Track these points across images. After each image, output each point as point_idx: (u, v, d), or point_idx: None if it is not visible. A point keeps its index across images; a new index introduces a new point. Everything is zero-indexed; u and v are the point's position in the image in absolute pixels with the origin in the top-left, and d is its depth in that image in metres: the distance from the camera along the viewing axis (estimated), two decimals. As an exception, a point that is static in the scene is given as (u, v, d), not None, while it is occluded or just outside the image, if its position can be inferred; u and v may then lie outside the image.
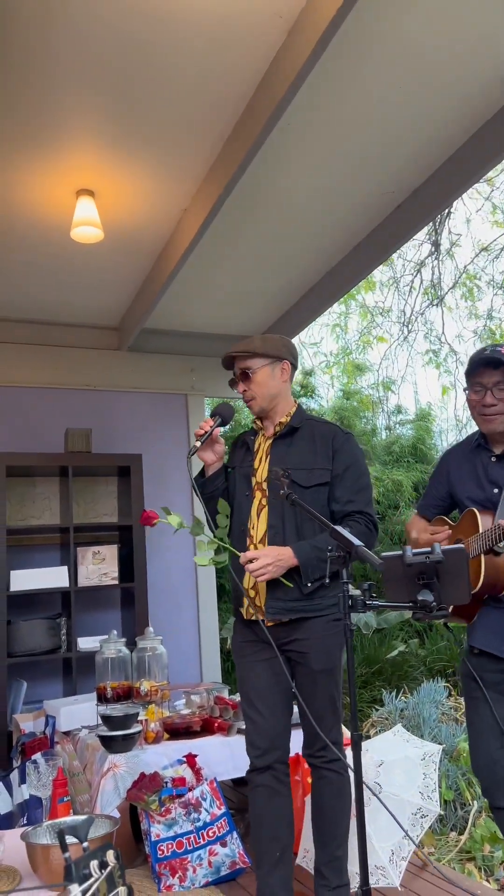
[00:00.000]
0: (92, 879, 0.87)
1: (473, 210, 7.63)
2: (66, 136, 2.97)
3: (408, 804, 2.75)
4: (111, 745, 2.98)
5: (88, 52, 2.55)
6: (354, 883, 2.45)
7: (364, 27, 2.54)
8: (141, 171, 3.25)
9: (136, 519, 4.40)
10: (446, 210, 7.05)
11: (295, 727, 2.43)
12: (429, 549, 1.63)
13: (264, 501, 2.44)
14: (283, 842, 2.36)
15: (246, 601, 2.41)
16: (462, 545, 1.70)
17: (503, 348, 2.27)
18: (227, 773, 3.08)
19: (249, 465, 2.53)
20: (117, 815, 2.69)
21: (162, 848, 2.75)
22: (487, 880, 3.29)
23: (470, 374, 2.33)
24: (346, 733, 3.10)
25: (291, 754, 2.46)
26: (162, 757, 3.01)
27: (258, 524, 2.43)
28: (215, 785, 2.93)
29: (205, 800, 2.86)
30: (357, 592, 1.72)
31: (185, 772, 2.95)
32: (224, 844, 2.81)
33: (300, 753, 2.49)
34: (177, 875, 2.72)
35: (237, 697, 3.09)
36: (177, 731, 3.19)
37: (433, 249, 7.83)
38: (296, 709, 2.45)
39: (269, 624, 2.35)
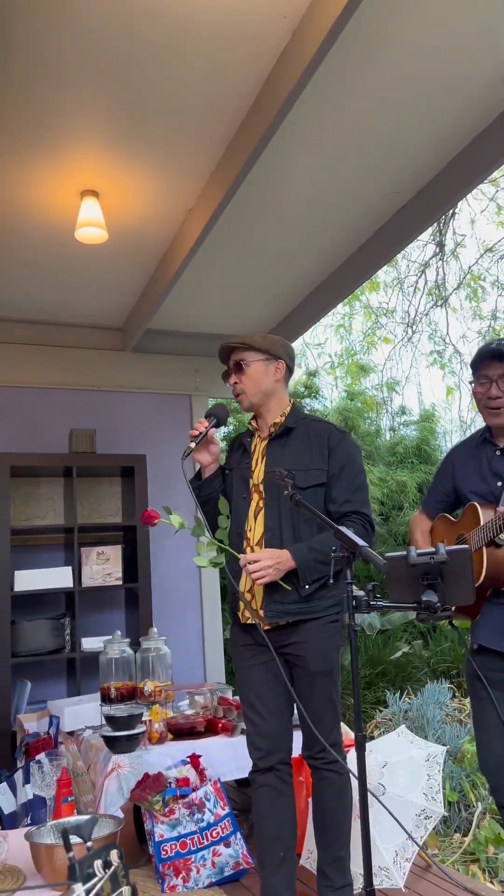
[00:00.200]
0: (96, 879, 0.87)
1: (478, 211, 7.62)
2: (71, 137, 2.97)
3: (412, 805, 2.75)
4: (115, 745, 2.98)
5: (93, 54, 2.55)
6: (358, 883, 2.45)
7: (368, 28, 2.54)
8: (145, 172, 3.26)
9: (139, 519, 4.40)
10: (451, 211, 7.05)
11: (296, 728, 2.42)
12: (433, 549, 1.63)
13: (261, 504, 2.42)
14: (286, 842, 2.36)
15: (242, 604, 2.40)
16: (466, 546, 1.70)
17: None
18: (231, 773, 3.08)
19: (246, 466, 2.50)
20: (121, 815, 2.70)
21: (165, 848, 2.75)
22: (491, 882, 3.29)
23: (476, 366, 2.34)
24: (350, 734, 3.10)
25: (294, 755, 2.46)
26: (166, 757, 3.01)
27: (255, 527, 2.41)
28: (219, 785, 2.93)
29: (208, 800, 2.86)
30: (361, 593, 1.72)
31: (189, 772, 2.95)
32: (228, 845, 2.81)
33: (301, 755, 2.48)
34: (180, 875, 2.72)
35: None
36: (180, 731, 3.20)
37: (437, 250, 7.82)
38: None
39: (267, 627, 2.34)
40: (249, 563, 2.25)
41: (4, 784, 3.31)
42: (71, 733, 3.52)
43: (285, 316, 4.98)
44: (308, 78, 2.50)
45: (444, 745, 3.69)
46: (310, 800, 2.62)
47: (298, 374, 9.49)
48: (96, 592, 4.59)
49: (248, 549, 2.40)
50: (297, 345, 8.95)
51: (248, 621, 2.39)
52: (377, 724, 5.07)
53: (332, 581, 1.99)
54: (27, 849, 2.17)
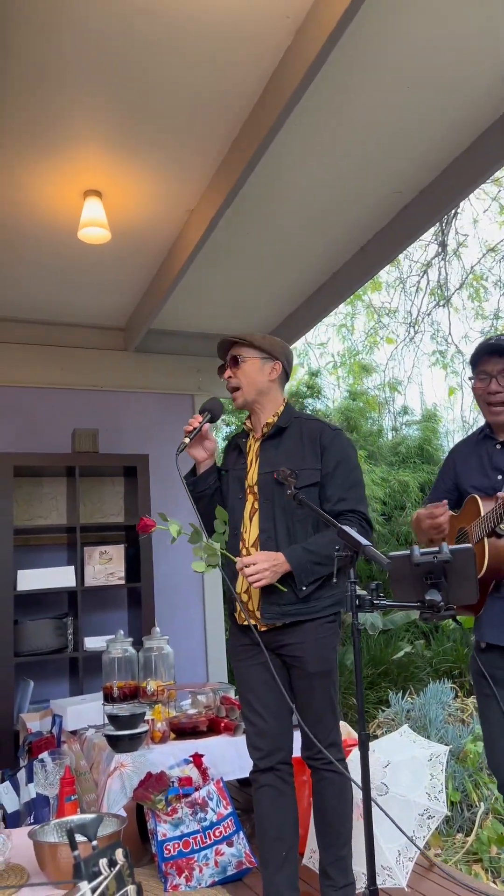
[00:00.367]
0: (101, 877, 0.88)
1: (481, 210, 7.62)
2: (74, 137, 2.98)
3: (414, 805, 2.75)
4: (118, 744, 2.99)
5: (95, 54, 2.55)
6: (361, 883, 2.45)
7: (371, 27, 2.54)
8: (148, 172, 3.26)
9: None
10: (453, 210, 7.05)
11: (297, 728, 2.42)
12: (437, 548, 1.63)
13: (256, 505, 2.40)
14: (287, 842, 2.36)
15: (238, 605, 2.40)
16: (469, 545, 1.70)
17: None
18: (234, 772, 3.08)
19: (242, 467, 2.49)
20: (124, 814, 2.70)
21: (168, 847, 2.76)
22: (494, 882, 3.29)
23: (475, 362, 2.33)
24: (353, 733, 3.10)
25: (296, 755, 2.46)
26: (168, 756, 3.02)
27: (250, 528, 2.40)
28: (222, 785, 2.93)
29: (211, 799, 2.87)
30: (363, 592, 1.72)
31: (192, 771, 2.95)
32: (230, 844, 2.82)
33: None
34: (183, 874, 2.73)
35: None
36: (183, 730, 3.20)
37: (440, 250, 7.81)
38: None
39: (263, 628, 2.33)
40: (246, 566, 2.24)
41: (7, 783, 3.32)
42: (74, 732, 3.52)
43: (287, 316, 4.99)
44: (311, 78, 2.50)
45: (446, 744, 3.69)
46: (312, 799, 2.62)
47: (301, 374, 9.49)
48: (99, 592, 4.60)
49: (245, 551, 2.38)
50: (299, 344, 8.96)
51: (245, 622, 2.38)
52: (380, 723, 5.07)
53: (335, 580, 1.99)
54: (30, 847, 2.17)
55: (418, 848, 2.61)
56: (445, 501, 2.31)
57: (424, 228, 3.87)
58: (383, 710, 5.28)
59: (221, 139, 3.06)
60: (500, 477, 2.29)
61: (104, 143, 3.02)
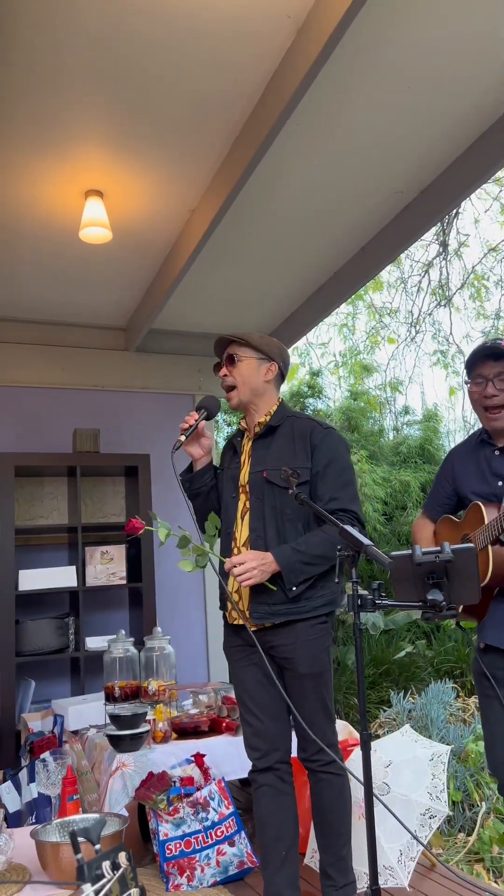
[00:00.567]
0: (105, 880, 0.88)
1: (482, 210, 7.62)
2: (75, 137, 2.97)
3: (416, 805, 2.74)
4: (119, 744, 2.99)
5: (96, 53, 2.55)
6: (363, 882, 2.45)
7: (373, 27, 2.53)
8: (149, 172, 3.26)
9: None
10: (455, 210, 7.04)
11: (293, 727, 2.42)
12: (438, 548, 1.63)
13: (248, 504, 2.40)
14: (287, 841, 2.35)
15: (230, 605, 2.39)
16: (472, 545, 1.70)
17: (503, 341, 2.27)
18: (235, 772, 3.08)
19: (236, 467, 2.48)
20: (126, 814, 2.70)
21: (170, 847, 2.76)
22: (496, 881, 3.29)
23: (471, 366, 2.32)
24: (354, 733, 3.10)
25: (294, 755, 2.45)
26: (170, 756, 3.02)
27: (242, 528, 2.39)
28: (223, 784, 2.93)
29: (213, 799, 2.87)
30: (365, 592, 1.71)
31: (194, 771, 2.95)
32: (232, 844, 2.82)
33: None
34: (185, 874, 2.73)
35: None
36: (185, 730, 3.20)
37: (441, 250, 7.81)
38: None
39: (254, 628, 2.32)
40: (234, 566, 2.23)
41: (9, 782, 3.32)
42: (75, 732, 3.52)
43: (289, 315, 4.99)
44: (312, 78, 2.50)
45: (448, 744, 3.69)
46: (313, 799, 2.62)
47: (302, 374, 9.49)
48: (100, 592, 4.60)
49: (236, 550, 2.38)
50: (300, 344, 8.97)
51: (236, 622, 2.38)
52: (381, 723, 5.07)
53: (336, 580, 1.98)
54: (33, 847, 2.17)
55: (423, 845, 2.60)
56: None
57: (425, 228, 3.87)
58: (385, 710, 5.28)
59: (222, 139, 3.06)
60: (500, 483, 2.28)
61: (105, 142, 3.02)
